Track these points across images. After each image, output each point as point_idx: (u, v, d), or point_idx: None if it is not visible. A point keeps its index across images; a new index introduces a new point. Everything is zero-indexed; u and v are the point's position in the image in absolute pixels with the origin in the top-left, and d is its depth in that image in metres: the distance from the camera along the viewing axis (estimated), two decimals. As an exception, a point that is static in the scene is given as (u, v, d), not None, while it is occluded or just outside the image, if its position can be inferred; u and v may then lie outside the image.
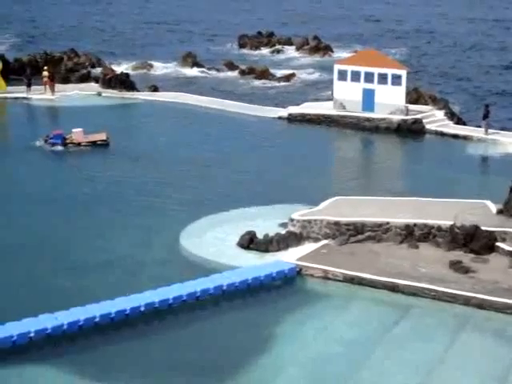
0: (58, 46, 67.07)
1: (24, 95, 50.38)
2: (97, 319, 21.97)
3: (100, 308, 22.31)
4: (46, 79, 50.75)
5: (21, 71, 55.56)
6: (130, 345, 21.38)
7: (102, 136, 40.04)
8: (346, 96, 44.93)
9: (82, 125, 41.09)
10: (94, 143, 39.76)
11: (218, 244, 27.32)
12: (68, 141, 39.52)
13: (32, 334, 21.00)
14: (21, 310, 22.08)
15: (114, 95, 50.89)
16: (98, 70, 57.66)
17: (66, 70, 58.37)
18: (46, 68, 52.31)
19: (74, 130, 39.87)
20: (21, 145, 39.54)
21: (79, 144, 39.59)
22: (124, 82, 52.08)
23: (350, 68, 44.96)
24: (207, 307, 23.43)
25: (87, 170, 36.41)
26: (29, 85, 50.84)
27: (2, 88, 50.48)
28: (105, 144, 39.77)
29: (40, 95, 50.29)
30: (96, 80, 54.16)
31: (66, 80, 54.69)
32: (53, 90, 50.45)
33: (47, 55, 60.58)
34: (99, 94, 51.15)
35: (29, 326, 21.18)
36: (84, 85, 53.79)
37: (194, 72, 61.34)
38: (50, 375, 19.66)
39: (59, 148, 39.03)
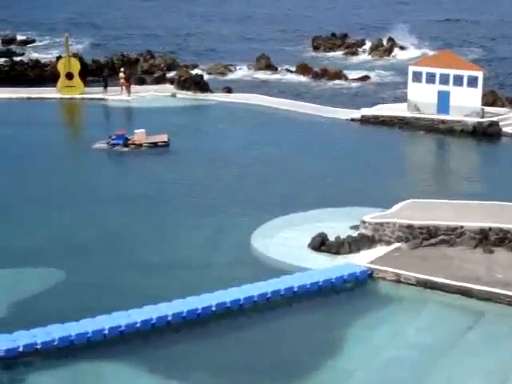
0: (135, 47, 68.09)
1: (101, 96, 51.35)
2: (169, 318, 22.24)
3: (172, 307, 22.57)
4: (122, 80, 51.61)
5: (98, 72, 56.67)
6: (201, 344, 21.56)
7: (163, 137, 40.47)
8: (421, 98, 44.46)
9: (155, 125, 41.70)
10: (155, 144, 40.21)
11: (288, 245, 27.35)
12: (130, 141, 40.05)
13: (106, 332, 21.38)
14: (95, 308, 22.51)
15: (188, 96, 51.44)
16: (173, 72, 58.33)
17: (141, 71, 59.30)
18: (122, 69, 53.22)
19: (136, 131, 40.38)
20: (88, 145, 40.19)
21: (140, 145, 40.05)
22: (198, 84, 52.59)
23: (424, 70, 44.48)
24: (278, 308, 23.47)
25: (151, 170, 36.79)
26: (105, 86, 51.81)
27: (79, 89, 51.54)
28: (165, 145, 40.15)
29: (116, 96, 51.17)
30: (171, 81, 54.83)
31: (141, 81, 55.54)
32: (129, 91, 51.27)
33: (124, 57, 61.64)
34: (174, 96, 51.77)
35: (103, 323, 21.57)
36: (159, 86, 54.52)
37: (267, 74, 61.51)
38: (124, 372, 19.98)
39: (121, 148, 39.51)
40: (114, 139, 39.84)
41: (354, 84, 58.02)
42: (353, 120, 45.73)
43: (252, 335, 22.22)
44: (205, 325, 22.44)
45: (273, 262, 26.27)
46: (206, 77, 56.02)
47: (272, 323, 22.86)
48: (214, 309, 22.87)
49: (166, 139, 40.30)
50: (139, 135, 40.18)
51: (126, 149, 39.55)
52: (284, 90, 55.39)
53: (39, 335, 20.80)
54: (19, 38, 75.64)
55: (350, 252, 26.67)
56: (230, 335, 22.05)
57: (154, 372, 19.89)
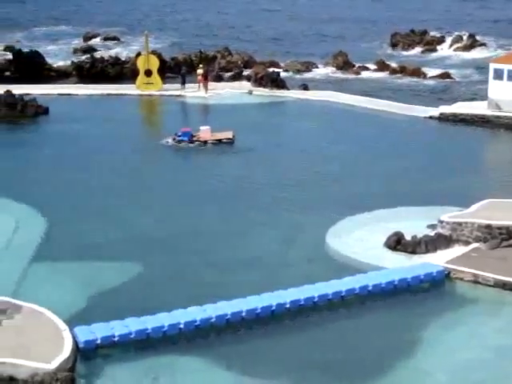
0: (213, 45, 68.63)
1: (178, 93, 51.95)
2: (243, 314, 22.36)
3: (246, 303, 22.69)
4: (200, 77, 52.12)
5: (176, 69, 57.36)
6: (275, 340, 21.62)
7: (228, 134, 40.61)
8: (502, 96, 43.58)
9: (230, 122, 41.92)
10: (219, 141, 40.37)
11: (364, 244, 27.19)
12: (195, 138, 40.32)
13: (182, 326, 21.64)
14: (171, 302, 22.80)
15: (264, 93, 51.60)
16: (249, 69, 58.57)
17: (219, 68, 59.76)
18: (200, 66, 53.78)
19: (201, 128, 40.63)
20: (158, 141, 40.60)
21: (205, 142, 40.29)
22: (275, 81, 52.70)
23: (506, 67, 43.57)
24: (352, 307, 23.36)
25: (222, 167, 36.98)
26: (183, 83, 52.40)
27: (158, 86, 52.24)
28: (230, 142, 40.27)
29: (194, 93, 51.69)
30: (248, 78, 55.09)
31: (218, 78, 55.97)
32: (206, 88, 51.73)
33: (202, 54, 62.25)
34: (250, 93, 52.01)
35: (179, 317, 21.85)
36: (236, 83, 54.85)
37: (344, 71, 61.19)
38: (199, 366, 20.15)
39: (186, 145, 39.82)
40: (179, 136, 40.23)
41: (433, 81, 57.27)
42: (431, 118, 45.15)
43: (326, 333, 22.16)
44: (279, 322, 22.49)
45: (347, 261, 26.15)
46: (282, 74, 56.09)
47: (346, 322, 22.76)
48: (288, 306, 22.89)
49: (230, 136, 40.49)
50: (204, 132, 40.47)
51: (191, 145, 39.87)
52: (361, 87, 55.05)
53: (117, 328, 21.19)
54: (101, 35, 77.09)
55: (427, 252, 26.34)
56: (304, 333, 22.04)
57: (229, 368, 20.00)
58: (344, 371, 20.04)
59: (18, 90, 48.35)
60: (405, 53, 69.50)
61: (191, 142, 40.10)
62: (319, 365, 20.34)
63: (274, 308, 22.70)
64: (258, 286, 23.80)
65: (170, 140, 40.26)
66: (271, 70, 56.53)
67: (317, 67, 62.41)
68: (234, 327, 22.05)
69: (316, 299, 23.26)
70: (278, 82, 52.70)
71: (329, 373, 19.91)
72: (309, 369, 20.09)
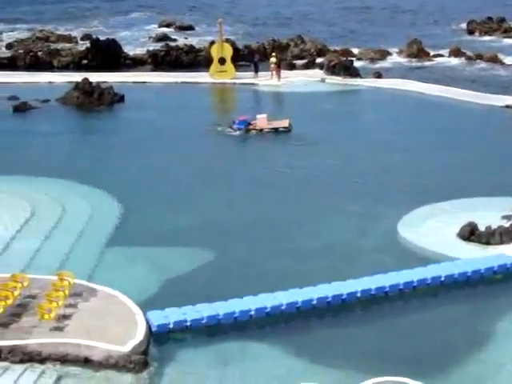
0: (287, 33, 68.50)
1: (251, 81, 52.08)
2: (314, 302, 22.41)
3: (317, 291, 22.73)
4: (273, 65, 52.14)
5: (250, 57, 57.50)
6: (345, 330, 21.62)
7: (284, 123, 40.50)
8: None
9: (302, 110, 41.69)
10: (276, 129, 40.30)
11: (436, 234, 26.91)
12: (251, 126, 40.34)
13: (252, 312, 21.82)
14: (242, 288, 23.01)
15: (337, 82, 51.34)
16: (323, 57, 58.33)
17: (292, 56, 59.66)
18: (273, 54, 53.78)
19: (258, 116, 40.59)
20: (215, 129, 40.65)
21: (261, 130, 40.25)
22: (348, 69, 52.34)
23: None
24: (423, 297, 23.18)
25: (286, 156, 36.78)
26: (256, 71, 52.51)
27: (231, 74, 52.49)
28: (287, 130, 40.14)
29: (266, 81, 51.75)
30: (321, 67, 54.88)
31: (291, 66, 55.90)
32: (279, 76, 51.73)
33: (275, 42, 62.20)
34: (323, 81, 51.80)
35: (249, 303, 22.03)
36: (309, 71, 54.69)
37: (418, 58, 60.38)
38: (269, 353, 20.30)
39: (242, 133, 39.84)
40: (236, 124, 40.38)
41: (511, 69, 55.98)
42: (508, 107, 44.22)
43: (397, 323, 22.05)
44: (349, 310, 22.48)
45: (420, 251, 25.94)
46: (355, 62, 55.66)
47: (418, 312, 22.60)
48: (359, 295, 22.85)
49: (287, 124, 40.43)
50: (261, 120, 40.47)
51: (244, 133, 39.95)
52: (436, 75, 54.22)
53: (189, 313, 21.49)
54: (176, 23, 77.73)
55: (502, 243, 25.92)
56: (374, 323, 21.98)
57: (298, 356, 20.09)
58: (414, 362, 19.90)
59: (94, 77, 49.22)
60: (480, 39, 68.16)
61: (247, 130, 40.23)
62: (389, 355, 20.26)
63: (344, 297, 22.69)
64: (329, 275, 23.82)
65: (226, 128, 40.47)
66: (344, 58, 56.15)
67: (391, 55, 61.73)
68: (305, 315, 22.12)
69: (387, 289, 23.15)
70: (351, 71, 52.32)
71: (399, 363, 19.79)
72: (378, 359, 20.02)
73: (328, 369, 19.58)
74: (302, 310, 22.24)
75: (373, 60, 60.10)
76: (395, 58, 61.00)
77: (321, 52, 60.54)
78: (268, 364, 19.84)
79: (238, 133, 39.99)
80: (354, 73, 52.25)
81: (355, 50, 61.72)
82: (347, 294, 22.73)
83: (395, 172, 33.91)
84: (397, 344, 20.87)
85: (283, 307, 22.13)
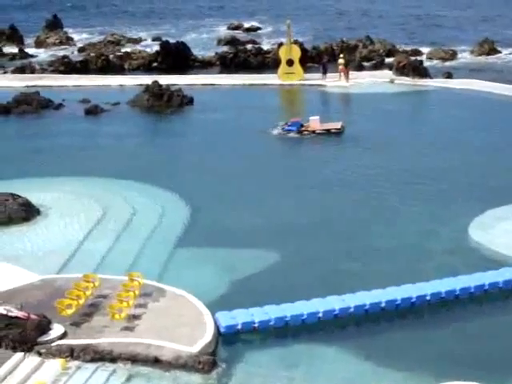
0: (355, 33, 68.20)
1: (319, 82, 51.96)
2: (382, 304, 22.20)
3: (386, 294, 22.52)
4: (341, 66, 51.95)
5: (318, 59, 57.41)
6: (414, 333, 21.36)
7: (337, 125, 40.30)
8: None
9: (370, 112, 41.33)
10: (328, 131, 40.02)
11: (509, 236, 26.37)
12: (303, 128, 40.17)
13: (320, 314, 21.74)
14: (310, 290, 22.96)
15: (406, 82, 50.84)
16: (391, 58, 57.88)
17: (360, 57, 59.35)
18: (341, 56, 53.57)
19: (311, 118, 40.44)
20: (266, 131, 40.68)
21: (314, 132, 40.06)
22: (417, 69, 51.81)
23: None
24: (496, 301, 22.74)
25: (347, 156, 36.71)
26: (325, 72, 52.38)
27: (299, 75, 52.47)
28: (339, 132, 39.87)
29: (335, 82, 51.56)
30: (390, 67, 54.45)
31: (360, 67, 55.61)
32: (347, 78, 51.51)
33: (343, 43, 61.99)
34: (392, 82, 51.37)
35: (317, 305, 21.96)
36: (378, 72, 54.32)
37: (490, 58, 59.38)
38: (337, 356, 20.18)
39: (294, 135, 39.78)
40: (289, 125, 40.30)
41: None
42: None
43: (467, 327, 21.68)
44: (418, 314, 22.22)
45: (491, 253, 25.47)
46: (425, 62, 55.03)
47: (489, 316, 22.17)
48: (428, 298, 22.57)
49: (339, 126, 40.19)
50: (314, 122, 40.33)
51: (298, 135, 39.84)
52: (508, 76, 53.21)
53: (257, 314, 21.53)
54: (244, 25, 78.13)
55: None
56: (444, 326, 21.65)
57: (367, 359, 19.93)
58: (485, 367, 19.53)
59: (164, 80, 49.81)
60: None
61: (300, 132, 40.13)
62: (459, 359, 19.93)
63: (414, 300, 22.43)
64: (398, 277, 23.58)
65: (279, 129, 40.41)
66: (414, 58, 55.56)
67: (461, 54, 60.86)
68: (373, 318, 21.95)
69: (458, 292, 22.79)
70: (420, 71, 51.76)
71: (469, 368, 19.46)
72: (448, 363, 19.71)
73: (396, 372, 19.37)
74: (370, 312, 22.07)
75: (443, 60, 59.37)
76: (466, 58, 60.13)
77: (390, 52, 60.09)
78: (336, 367, 19.74)
79: (291, 135, 40.00)
80: (423, 73, 51.69)
81: (425, 50, 61.05)
82: (416, 297, 22.46)
83: (465, 172, 33.39)
84: (467, 348, 20.51)
85: (351, 310, 22.00)
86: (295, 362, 19.93)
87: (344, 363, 19.90)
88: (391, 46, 61.82)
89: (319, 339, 21.00)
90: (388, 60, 57.45)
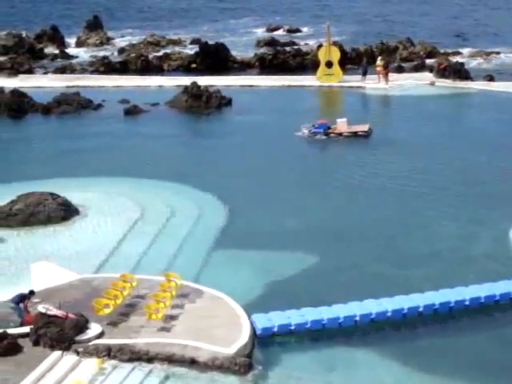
0: (395, 35, 67.78)
1: (359, 84, 51.69)
2: (420, 309, 21.99)
3: (424, 298, 22.30)
4: (379, 68, 51.63)
5: (357, 60, 57.13)
6: (453, 338, 21.09)
7: (364, 127, 40.01)
8: None
9: (406, 114, 40.98)
10: (355, 134, 39.76)
11: (551, 242, 26.01)
12: (330, 130, 39.94)
13: (357, 318, 21.59)
14: (347, 294, 22.81)
15: (446, 85, 50.37)
16: (432, 59, 57.44)
17: (400, 59, 58.94)
18: (380, 57, 53.23)
19: (338, 120, 40.24)
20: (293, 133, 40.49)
21: (340, 134, 39.83)
22: (458, 72, 51.30)
23: None
24: (537, 308, 22.43)
25: (379, 160, 36.37)
26: (364, 74, 52.09)
27: (338, 77, 52.25)
28: (366, 135, 39.61)
29: (374, 84, 51.26)
30: (430, 69, 54.00)
31: (400, 69, 55.21)
32: (387, 80, 51.17)
33: (383, 44, 61.62)
34: (432, 84, 50.92)
35: (355, 309, 21.81)
36: (418, 74, 53.89)
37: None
38: (374, 360, 20.03)
39: (320, 137, 39.64)
40: (316, 127, 40.09)
41: None
42: None
43: (507, 333, 21.38)
44: (458, 319, 21.95)
45: (533, 259, 25.12)
46: (467, 64, 54.46)
47: (529, 323, 21.88)
48: (467, 303, 22.29)
49: (366, 129, 39.88)
50: (341, 124, 40.10)
51: (324, 137, 39.69)
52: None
53: (293, 317, 21.44)
54: (283, 27, 78.04)
55: None
56: (483, 332, 21.38)
57: (405, 364, 19.74)
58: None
59: (203, 81, 49.94)
60: None
61: (326, 134, 39.93)
62: (498, 366, 19.67)
63: (452, 304, 22.18)
64: (436, 281, 23.34)
65: (305, 131, 40.25)
66: (455, 60, 55.02)
67: (503, 56, 60.15)
68: (411, 322, 21.73)
69: (497, 297, 22.49)
70: (461, 73, 51.25)
71: (509, 375, 19.20)
72: (487, 370, 19.46)
73: (434, 378, 19.19)
74: (408, 316, 21.86)
75: (484, 62, 58.71)
76: (508, 60, 59.40)
77: (430, 54, 59.58)
78: (373, 371, 19.59)
79: (318, 136, 39.87)
80: (464, 75, 51.16)
81: (466, 52, 60.45)
82: (455, 301, 22.21)
83: (505, 176, 32.93)
84: (507, 355, 20.22)
85: (389, 314, 21.80)
86: (332, 365, 19.82)
87: (381, 368, 19.73)
88: (432, 47, 61.29)
89: (356, 343, 20.86)
90: (429, 62, 56.94)
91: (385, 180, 33.36)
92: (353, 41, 67.04)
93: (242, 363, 19.42)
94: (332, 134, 40.07)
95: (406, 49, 61.10)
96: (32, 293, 21.49)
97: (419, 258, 25.63)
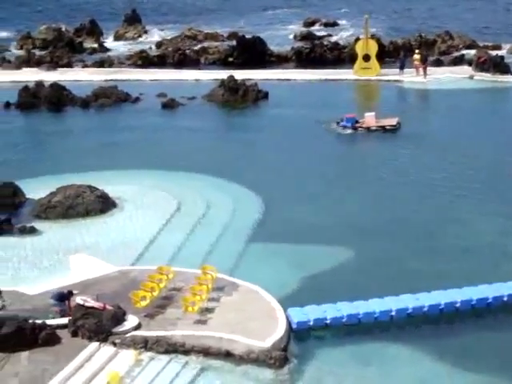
0: (434, 28, 67.10)
1: (396, 78, 51.32)
2: (457, 304, 21.85)
3: (461, 294, 22.14)
4: (417, 62, 51.21)
5: (395, 54, 56.72)
6: (490, 334, 20.93)
7: (392, 121, 39.64)
8: None
9: (443, 108, 40.55)
10: (383, 128, 39.42)
11: None
12: (358, 125, 39.69)
13: (393, 313, 21.50)
14: (382, 288, 22.73)
15: (486, 78, 49.80)
16: (471, 52, 56.80)
17: (438, 52, 58.39)
18: (418, 51, 52.80)
19: (366, 115, 39.97)
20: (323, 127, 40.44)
21: (368, 128, 39.55)
22: (498, 65, 50.66)
23: None
24: None
25: (413, 155, 36.09)
26: (402, 67, 51.69)
27: (375, 71, 51.94)
28: (394, 129, 39.25)
29: (412, 78, 50.86)
30: (469, 63, 53.41)
31: (438, 63, 54.70)
32: (425, 73, 50.73)
33: (421, 38, 61.08)
34: (471, 78, 50.39)
35: (391, 304, 21.72)
36: (456, 68, 53.35)
37: None
38: (410, 355, 19.96)
39: (348, 131, 39.49)
40: (344, 121, 39.86)
41: None
42: None
43: (545, 330, 21.19)
44: (495, 315, 21.77)
45: None
46: (507, 59, 53.72)
47: None
48: (505, 299, 22.09)
49: (394, 123, 39.54)
50: (369, 119, 39.84)
51: (351, 131, 39.54)
52: None
53: (329, 311, 21.43)
54: (321, 20, 77.69)
55: None
56: (521, 328, 21.21)
57: (441, 359, 19.65)
58: None
59: (239, 75, 49.96)
60: None
61: (354, 128, 39.71)
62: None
63: (490, 300, 22.00)
64: (475, 277, 23.15)
65: (333, 125, 40.13)
66: (495, 53, 54.35)
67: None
68: (448, 318, 21.60)
69: (536, 294, 22.27)
70: (501, 67, 50.59)
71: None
72: (525, 366, 19.32)
73: (471, 374, 19.08)
74: (444, 312, 21.72)
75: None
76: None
77: (469, 47, 58.92)
78: (409, 366, 19.53)
79: (346, 131, 39.70)
80: (504, 69, 50.50)
81: (506, 45, 59.65)
82: (493, 297, 22.02)
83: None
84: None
85: (425, 309, 21.70)
86: (367, 360, 19.78)
87: (417, 363, 19.66)
88: (471, 40, 60.60)
89: (392, 338, 20.80)
90: (467, 54, 56.34)
91: (419, 176, 33.15)
92: (391, 34, 66.52)
93: (278, 357, 19.45)
94: (360, 128, 39.92)
95: (444, 42, 60.51)
96: (71, 293, 21.43)
97: (456, 253, 25.45)
